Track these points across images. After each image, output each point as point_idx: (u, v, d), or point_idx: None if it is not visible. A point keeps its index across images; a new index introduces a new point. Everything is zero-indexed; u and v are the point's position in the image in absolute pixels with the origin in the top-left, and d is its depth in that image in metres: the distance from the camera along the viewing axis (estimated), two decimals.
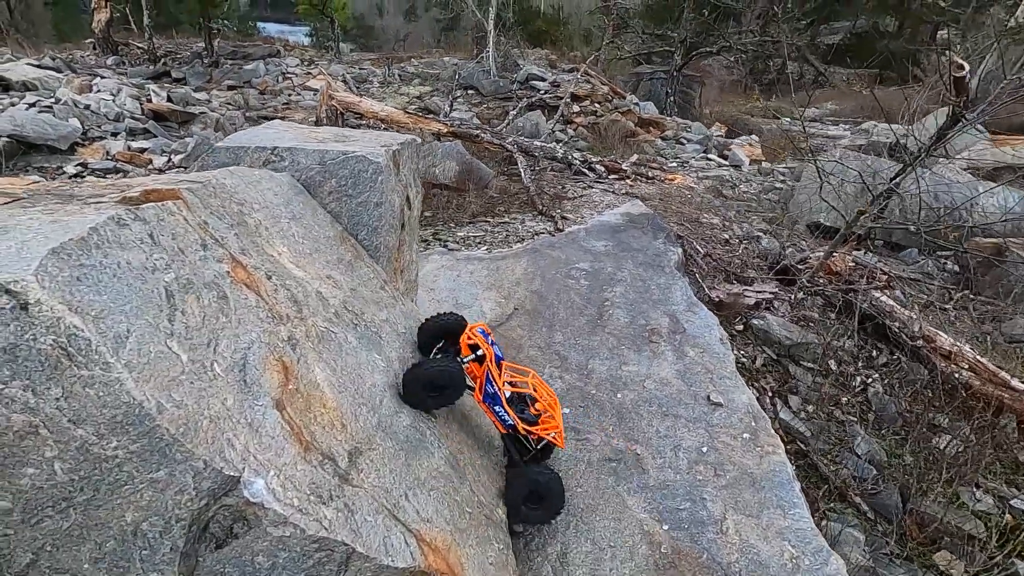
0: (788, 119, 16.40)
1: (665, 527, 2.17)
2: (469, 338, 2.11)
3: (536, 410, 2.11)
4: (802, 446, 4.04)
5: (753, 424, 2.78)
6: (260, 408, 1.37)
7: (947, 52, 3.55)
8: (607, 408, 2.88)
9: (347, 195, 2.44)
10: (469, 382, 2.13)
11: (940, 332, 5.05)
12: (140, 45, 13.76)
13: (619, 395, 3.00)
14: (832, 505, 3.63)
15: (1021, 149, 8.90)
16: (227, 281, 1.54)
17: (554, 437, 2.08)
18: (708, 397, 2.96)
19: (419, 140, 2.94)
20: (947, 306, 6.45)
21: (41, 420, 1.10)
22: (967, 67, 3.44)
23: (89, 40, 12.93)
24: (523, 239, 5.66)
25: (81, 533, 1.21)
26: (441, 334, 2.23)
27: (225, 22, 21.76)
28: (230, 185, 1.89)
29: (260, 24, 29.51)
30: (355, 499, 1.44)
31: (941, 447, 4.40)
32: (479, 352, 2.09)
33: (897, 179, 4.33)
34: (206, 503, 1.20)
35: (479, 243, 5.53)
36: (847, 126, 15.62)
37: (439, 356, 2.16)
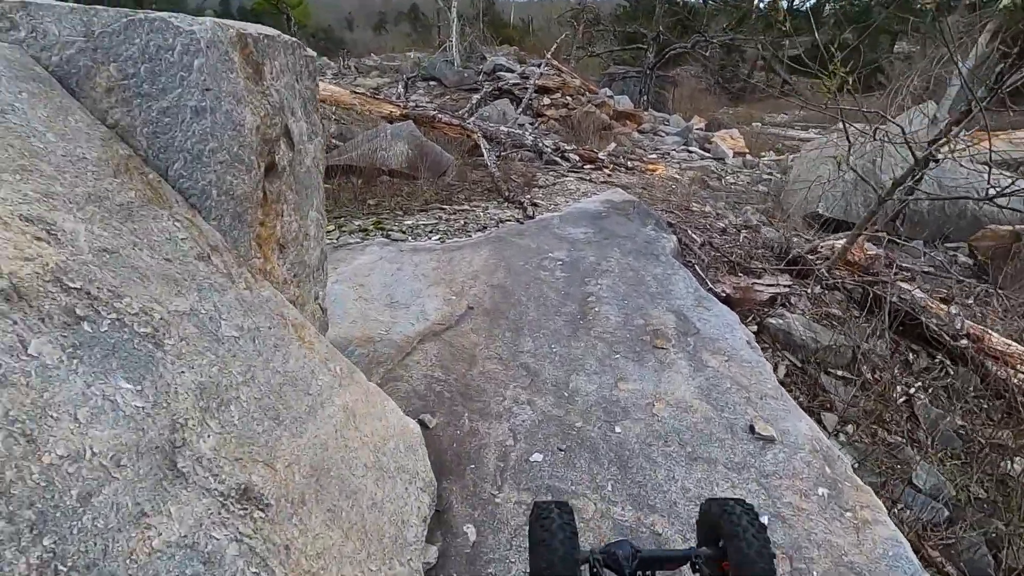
0: (759, 124, 16.05)
1: None
2: None
3: None
4: None
5: (828, 471, 1.79)
6: None
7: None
8: (601, 451, 1.85)
9: (141, 94, 1.37)
10: None
11: (989, 330, 4.19)
12: None
13: (617, 428, 1.98)
14: None
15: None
16: None
17: None
18: (751, 427, 1.96)
19: (303, 47, 1.89)
20: (968, 301, 5.64)
21: None
22: None
23: None
24: (485, 227, 4.63)
25: None
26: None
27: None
28: None
29: None
30: None
31: (1015, 473, 3.52)
32: None
33: (940, 140, 3.45)
34: None
35: (431, 232, 4.47)
36: (817, 131, 15.32)
37: None
